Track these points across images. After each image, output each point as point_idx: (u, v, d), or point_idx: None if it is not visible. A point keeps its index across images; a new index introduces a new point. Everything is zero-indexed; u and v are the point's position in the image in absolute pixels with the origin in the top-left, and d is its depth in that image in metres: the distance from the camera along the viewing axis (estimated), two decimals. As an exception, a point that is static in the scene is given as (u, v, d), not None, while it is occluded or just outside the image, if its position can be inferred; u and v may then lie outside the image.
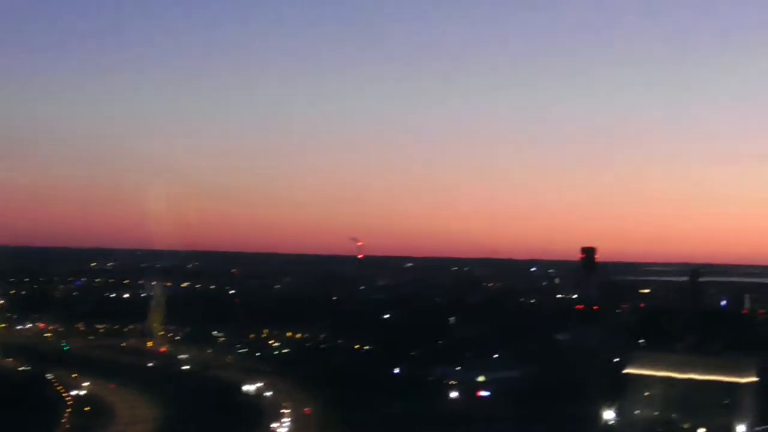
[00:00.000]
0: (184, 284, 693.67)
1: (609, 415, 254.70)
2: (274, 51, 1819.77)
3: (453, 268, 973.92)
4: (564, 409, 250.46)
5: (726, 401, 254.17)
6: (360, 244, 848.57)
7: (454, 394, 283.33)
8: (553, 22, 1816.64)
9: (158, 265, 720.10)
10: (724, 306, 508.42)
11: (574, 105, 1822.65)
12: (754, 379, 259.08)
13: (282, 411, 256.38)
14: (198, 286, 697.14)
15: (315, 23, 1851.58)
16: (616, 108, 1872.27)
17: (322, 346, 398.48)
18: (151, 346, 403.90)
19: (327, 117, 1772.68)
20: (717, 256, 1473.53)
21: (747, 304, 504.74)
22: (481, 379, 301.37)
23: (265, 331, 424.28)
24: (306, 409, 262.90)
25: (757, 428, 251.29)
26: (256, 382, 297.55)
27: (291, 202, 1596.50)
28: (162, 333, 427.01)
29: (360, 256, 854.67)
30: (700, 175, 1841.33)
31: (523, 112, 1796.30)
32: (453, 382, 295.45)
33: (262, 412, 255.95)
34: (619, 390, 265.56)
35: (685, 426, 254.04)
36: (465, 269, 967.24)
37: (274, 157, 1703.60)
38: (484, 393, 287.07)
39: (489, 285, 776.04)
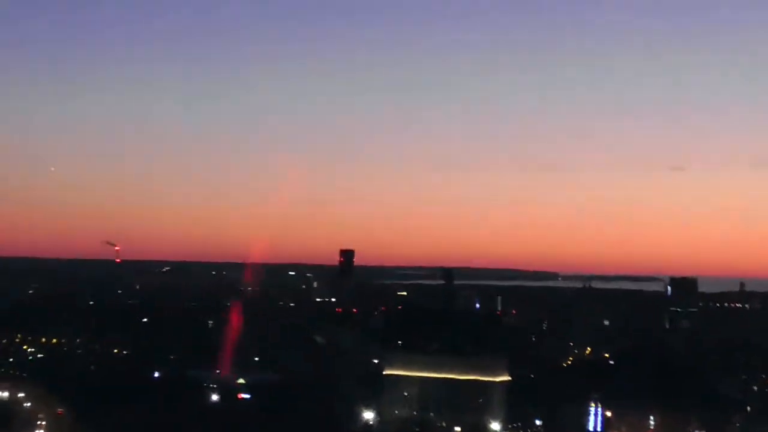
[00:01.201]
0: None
1: (369, 415, 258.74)
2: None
3: (212, 272, 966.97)
4: (325, 411, 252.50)
5: (480, 400, 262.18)
6: (117, 248, 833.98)
7: (214, 397, 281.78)
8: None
9: None
10: (477, 308, 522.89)
11: (332, 104, 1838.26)
12: (506, 378, 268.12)
13: (37, 417, 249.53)
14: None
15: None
16: (376, 109, 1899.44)
17: (78, 351, 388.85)
18: None
19: (83, 113, 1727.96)
20: (470, 260, 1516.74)
21: (499, 306, 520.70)
22: (240, 381, 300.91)
23: (18, 336, 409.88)
24: (59, 410, 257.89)
25: (509, 425, 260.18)
26: (8, 389, 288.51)
27: (42, 203, 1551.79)
28: None
29: (118, 261, 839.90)
30: (455, 179, 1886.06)
31: (281, 112, 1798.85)
32: (213, 385, 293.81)
33: (14, 420, 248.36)
34: (379, 390, 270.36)
35: (442, 425, 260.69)
36: (223, 273, 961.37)
37: (23, 155, 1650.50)
38: (244, 396, 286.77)
39: (248, 289, 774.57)
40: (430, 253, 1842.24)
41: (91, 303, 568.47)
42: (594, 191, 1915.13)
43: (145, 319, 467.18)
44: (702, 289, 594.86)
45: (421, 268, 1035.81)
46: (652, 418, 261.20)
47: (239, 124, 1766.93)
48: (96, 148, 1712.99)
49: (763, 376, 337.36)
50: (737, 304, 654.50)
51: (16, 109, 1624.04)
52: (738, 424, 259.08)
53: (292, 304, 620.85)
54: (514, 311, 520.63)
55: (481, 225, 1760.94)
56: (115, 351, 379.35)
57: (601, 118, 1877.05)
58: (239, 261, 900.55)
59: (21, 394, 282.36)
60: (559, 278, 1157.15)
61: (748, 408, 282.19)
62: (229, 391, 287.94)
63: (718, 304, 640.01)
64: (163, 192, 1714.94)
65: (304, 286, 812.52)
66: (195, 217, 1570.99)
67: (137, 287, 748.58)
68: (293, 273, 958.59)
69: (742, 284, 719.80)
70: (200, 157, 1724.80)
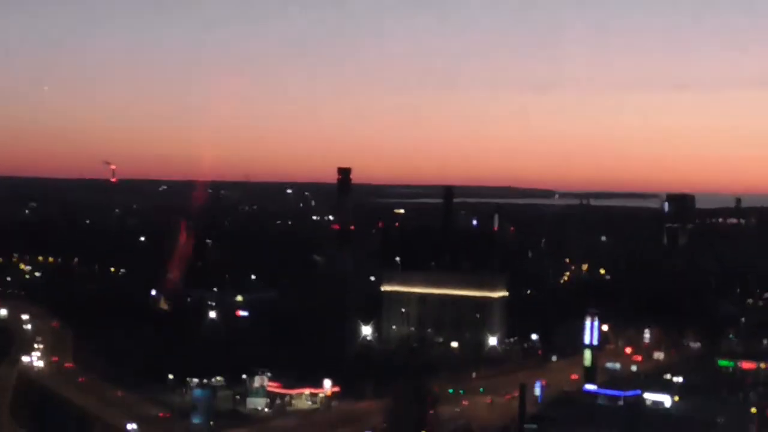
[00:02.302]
0: None
1: (367, 331, 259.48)
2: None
3: (208, 191, 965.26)
4: (322, 327, 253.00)
5: (478, 315, 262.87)
6: (113, 167, 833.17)
7: (212, 315, 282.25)
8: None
9: None
10: (475, 225, 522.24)
11: (324, 27, 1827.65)
12: (504, 294, 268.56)
13: (35, 334, 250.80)
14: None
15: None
16: (370, 30, 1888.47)
17: (76, 270, 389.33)
18: None
19: (79, 33, 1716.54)
20: (469, 178, 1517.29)
21: (497, 223, 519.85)
22: (238, 299, 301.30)
23: (14, 255, 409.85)
24: (54, 323, 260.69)
25: (506, 340, 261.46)
26: (7, 307, 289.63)
27: (41, 124, 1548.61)
28: None
29: (113, 180, 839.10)
30: (453, 97, 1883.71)
31: (273, 34, 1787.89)
32: (211, 303, 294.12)
33: (11, 338, 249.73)
34: (376, 308, 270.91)
35: (439, 340, 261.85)
36: (221, 192, 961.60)
37: (18, 76, 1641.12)
38: (242, 313, 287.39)
39: (245, 208, 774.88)
40: (430, 171, 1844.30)
41: (88, 222, 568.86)
42: (591, 110, 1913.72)
43: (142, 239, 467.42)
44: (699, 205, 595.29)
45: (420, 186, 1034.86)
46: (647, 331, 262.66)
47: (234, 44, 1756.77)
48: (91, 69, 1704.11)
49: (758, 290, 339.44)
50: (734, 220, 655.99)
51: (9, 30, 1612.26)
52: (731, 336, 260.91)
53: (289, 222, 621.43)
54: (512, 228, 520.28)
55: (479, 143, 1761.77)
56: (113, 270, 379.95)
57: (602, 37, 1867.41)
58: (237, 179, 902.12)
59: (21, 314, 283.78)
60: (556, 196, 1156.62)
61: (742, 320, 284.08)
62: (227, 309, 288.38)
63: (714, 220, 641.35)
64: (159, 112, 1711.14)
65: (301, 204, 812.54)
66: (191, 136, 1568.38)
67: (134, 207, 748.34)
68: (291, 191, 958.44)
69: (738, 200, 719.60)
70: (197, 77, 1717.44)
